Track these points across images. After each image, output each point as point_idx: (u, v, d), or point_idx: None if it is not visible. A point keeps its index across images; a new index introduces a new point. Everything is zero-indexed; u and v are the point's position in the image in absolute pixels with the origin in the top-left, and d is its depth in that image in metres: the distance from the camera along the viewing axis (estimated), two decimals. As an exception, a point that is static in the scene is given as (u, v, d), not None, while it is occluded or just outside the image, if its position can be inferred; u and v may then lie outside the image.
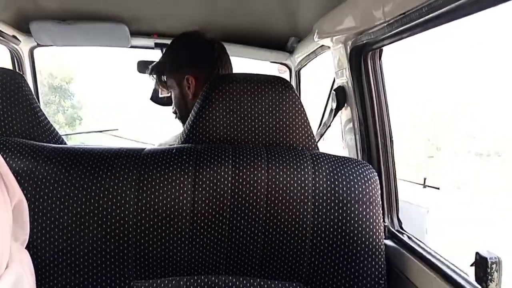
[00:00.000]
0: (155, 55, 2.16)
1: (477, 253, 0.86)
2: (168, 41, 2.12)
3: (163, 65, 1.40)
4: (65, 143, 1.17)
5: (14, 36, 1.84)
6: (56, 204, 0.97)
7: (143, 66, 2.14)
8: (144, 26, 2.02)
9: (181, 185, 0.98)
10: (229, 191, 0.99)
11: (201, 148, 1.05)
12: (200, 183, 0.99)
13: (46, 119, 1.12)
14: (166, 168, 1.00)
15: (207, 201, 0.99)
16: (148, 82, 2.25)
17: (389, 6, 0.92)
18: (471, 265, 0.88)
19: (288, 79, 2.34)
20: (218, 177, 1.00)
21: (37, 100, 1.13)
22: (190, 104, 1.31)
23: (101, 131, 2.55)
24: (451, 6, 0.73)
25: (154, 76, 1.39)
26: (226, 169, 1.01)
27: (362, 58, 1.24)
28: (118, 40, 2.00)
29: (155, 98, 2.18)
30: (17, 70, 2.05)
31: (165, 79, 1.39)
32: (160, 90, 2.19)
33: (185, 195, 0.99)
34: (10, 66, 2.03)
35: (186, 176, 0.99)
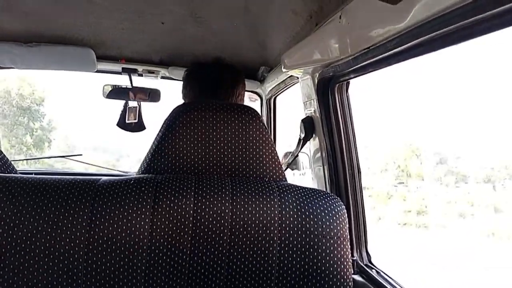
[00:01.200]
0: (123, 80, 2.11)
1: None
2: (136, 66, 2.11)
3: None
4: (15, 171, 1.09)
5: (-29, 58, 1.75)
6: (2, 237, 0.89)
7: (110, 93, 2.09)
8: (111, 51, 1.97)
9: (138, 218, 0.92)
10: (190, 224, 0.94)
11: (162, 178, 0.99)
12: (159, 216, 0.93)
13: None
14: (122, 200, 0.94)
15: (166, 235, 0.93)
16: (115, 107, 2.20)
17: (354, 40, 0.92)
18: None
19: (259, 107, 2.35)
20: (179, 209, 0.94)
21: None
22: None
23: (64, 156, 2.44)
24: (415, 42, 0.74)
25: None
26: (188, 201, 0.95)
27: (330, 89, 1.24)
28: (83, 65, 1.94)
29: (121, 124, 2.13)
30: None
31: None
32: (127, 116, 2.14)
33: (142, 228, 0.92)
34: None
35: (144, 208, 0.93)
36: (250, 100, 2.27)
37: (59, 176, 1.01)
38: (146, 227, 0.92)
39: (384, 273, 1.20)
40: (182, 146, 1.03)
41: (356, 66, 1.00)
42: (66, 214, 0.91)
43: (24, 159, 2.11)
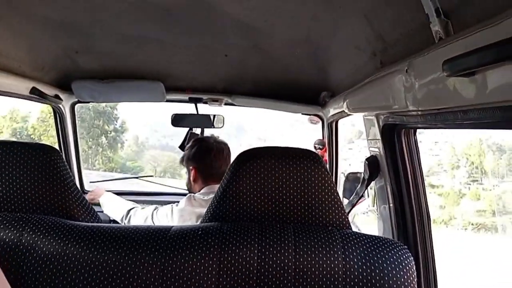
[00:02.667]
0: (189, 108, 2.21)
1: None
2: (202, 96, 2.20)
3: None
4: (99, 218, 1.19)
5: (56, 95, 1.94)
6: (85, 282, 0.98)
7: (177, 120, 2.21)
8: (178, 82, 2.08)
9: (206, 266, 0.97)
10: (255, 271, 0.96)
11: (227, 228, 1.03)
12: (226, 264, 0.97)
13: (79, 194, 1.15)
14: (191, 250, 0.99)
15: (232, 283, 0.97)
16: (180, 132, 2.32)
17: (423, 98, 0.88)
18: None
19: (320, 130, 2.33)
20: (244, 258, 0.97)
21: (71, 174, 1.16)
22: (189, 185, 1.81)
23: (138, 177, 2.61)
24: (489, 120, 0.69)
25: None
26: (252, 250, 0.98)
27: (396, 133, 1.19)
28: (154, 96, 2.07)
29: (182, 147, 2.24)
30: (58, 125, 2.16)
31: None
32: (187, 140, 2.24)
33: (210, 276, 0.97)
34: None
35: (211, 258, 0.98)
36: (311, 122, 2.26)
37: (134, 226, 1.09)
38: (214, 273, 0.96)
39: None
40: (246, 193, 1.05)
41: (424, 121, 0.95)
42: (141, 261, 0.98)
43: (100, 181, 2.29)
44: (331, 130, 2.16)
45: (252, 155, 1.09)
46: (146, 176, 2.49)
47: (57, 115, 2.13)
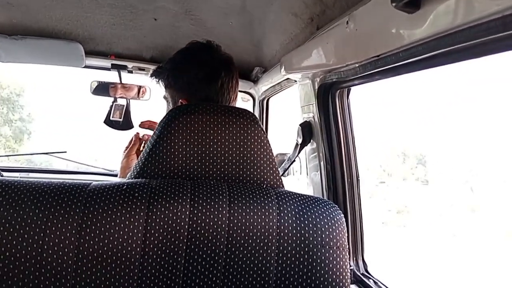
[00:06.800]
0: (112, 76, 2.04)
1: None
2: (126, 63, 2.04)
3: (165, 75, 1.22)
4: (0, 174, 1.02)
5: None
6: None
7: (98, 89, 2.02)
8: (100, 46, 1.90)
9: (131, 225, 0.87)
10: (186, 232, 0.89)
11: (156, 183, 0.94)
12: (153, 223, 0.89)
13: None
14: (114, 207, 0.89)
15: (159, 243, 0.89)
16: (102, 103, 2.13)
17: (363, 47, 0.89)
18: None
19: (251, 108, 2.31)
20: (174, 216, 0.90)
21: None
22: None
23: (48, 153, 2.34)
24: (430, 54, 0.71)
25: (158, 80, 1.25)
26: (183, 207, 0.91)
27: (330, 95, 1.21)
28: (71, 59, 1.87)
29: (108, 121, 2.06)
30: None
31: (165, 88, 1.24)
32: (112, 113, 2.07)
33: (135, 236, 0.87)
34: None
35: (137, 215, 0.89)
36: (243, 101, 2.23)
37: (45, 179, 0.96)
38: (139, 235, 0.88)
39: (382, 283, 1.18)
40: (178, 150, 0.98)
41: (363, 74, 0.97)
42: (54, 221, 0.86)
43: (5, 155, 2.00)
44: (262, 108, 2.16)
45: (185, 110, 1.02)
46: (59, 152, 2.24)
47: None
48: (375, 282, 1.17)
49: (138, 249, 0.87)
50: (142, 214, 0.89)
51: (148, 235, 0.88)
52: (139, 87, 2.09)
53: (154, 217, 0.89)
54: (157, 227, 0.89)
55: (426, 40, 0.69)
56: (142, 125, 1.44)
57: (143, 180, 0.96)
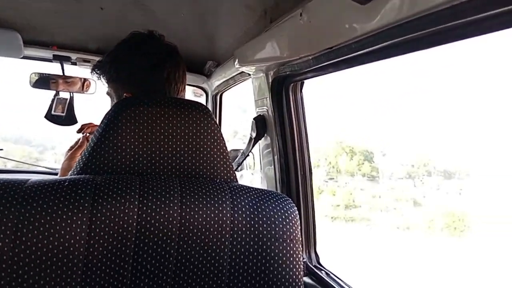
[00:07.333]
0: (54, 68, 1.91)
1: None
2: (69, 54, 1.92)
3: (106, 68, 1.13)
4: None
5: None
6: None
7: (39, 82, 1.88)
8: (41, 36, 1.77)
9: (73, 224, 0.81)
10: (134, 230, 0.85)
11: (102, 180, 0.89)
12: (98, 221, 0.83)
13: None
14: (54, 205, 0.82)
15: (106, 243, 0.83)
16: (44, 97, 1.98)
17: (316, 39, 0.90)
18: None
19: (204, 103, 2.27)
20: (121, 213, 0.85)
21: None
22: None
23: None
24: (382, 45, 0.72)
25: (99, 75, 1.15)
26: (131, 204, 0.86)
27: (284, 88, 1.21)
28: (7, 49, 1.72)
29: (49, 116, 1.92)
30: None
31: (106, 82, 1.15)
32: (54, 107, 1.94)
33: (78, 236, 0.82)
34: None
35: (80, 213, 0.83)
36: (195, 95, 2.18)
37: None
38: (83, 234, 0.82)
39: (334, 274, 1.20)
40: (125, 144, 0.93)
41: (316, 66, 0.97)
42: None
43: None
44: (215, 103, 2.12)
45: (133, 102, 0.97)
46: (-8, 150, 2.06)
47: None
48: (327, 274, 1.19)
49: (81, 249, 0.82)
50: (85, 212, 0.83)
51: (92, 234, 0.83)
52: (84, 80, 1.97)
53: (99, 215, 0.83)
54: (102, 226, 0.83)
55: (378, 31, 0.70)
56: (83, 130, 1.34)
57: (87, 176, 0.90)
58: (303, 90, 1.22)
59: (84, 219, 0.82)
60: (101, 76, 1.15)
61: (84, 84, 1.96)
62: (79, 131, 1.35)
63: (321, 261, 1.29)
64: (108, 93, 1.18)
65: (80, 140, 1.32)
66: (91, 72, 1.20)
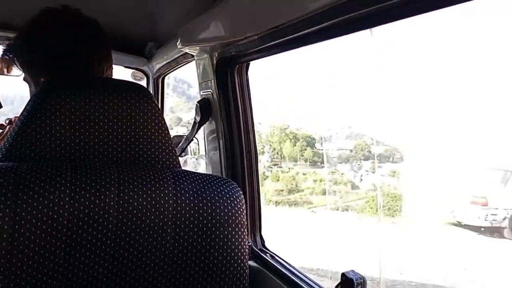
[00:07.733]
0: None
1: (343, 274, 0.86)
2: (9, 34, 1.70)
3: (17, 51, 0.99)
4: None
5: None
6: None
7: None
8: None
9: None
10: (66, 220, 0.79)
11: (27, 167, 0.81)
12: (24, 212, 0.76)
13: None
14: None
15: (33, 236, 0.77)
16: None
17: (261, 18, 0.87)
18: (337, 286, 0.88)
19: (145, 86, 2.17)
20: (50, 203, 0.78)
21: None
22: None
23: None
24: (327, 23, 0.72)
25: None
26: (62, 193, 0.80)
27: (229, 70, 1.18)
28: None
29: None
30: None
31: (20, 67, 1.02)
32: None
33: (0, 224, 0.75)
34: None
35: (2, 204, 0.75)
36: (135, 79, 2.08)
37: None
38: (5, 227, 0.75)
39: (278, 256, 1.22)
40: (55, 128, 0.85)
41: (262, 46, 0.95)
42: None
43: None
44: (157, 86, 2.04)
45: (61, 84, 0.89)
46: None
47: None
48: (272, 256, 1.20)
49: (4, 243, 0.74)
50: (9, 202, 0.75)
51: (17, 226, 0.76)
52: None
53: (24, 205, 0.76)
54: (28, 217, 0.77)
55: (323, 9, 0.69)
56: (7, 126, 1.20)
57: (10, 164, 0.82)
58: (248, 73, 1.20)
59: (7, 210, 0.75)
60: (14, 60, 1.02)
61: (8, 66, 1.77)
62: (1, 127, 1.22)
63: (266, 244, 1.30)
64: (25, 79, 1.06)
65: (7, 129, 1.19)
66: (2, 56, 1.06)
